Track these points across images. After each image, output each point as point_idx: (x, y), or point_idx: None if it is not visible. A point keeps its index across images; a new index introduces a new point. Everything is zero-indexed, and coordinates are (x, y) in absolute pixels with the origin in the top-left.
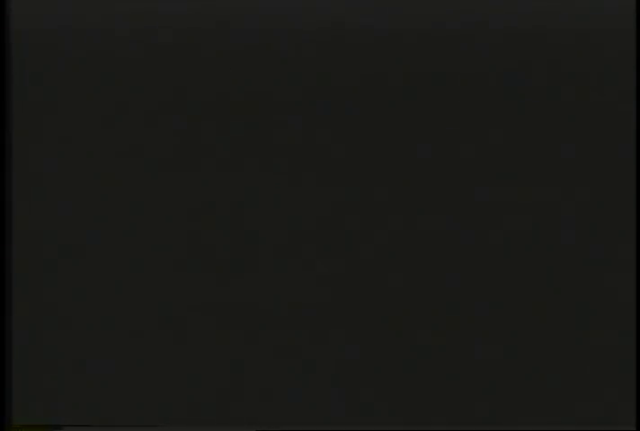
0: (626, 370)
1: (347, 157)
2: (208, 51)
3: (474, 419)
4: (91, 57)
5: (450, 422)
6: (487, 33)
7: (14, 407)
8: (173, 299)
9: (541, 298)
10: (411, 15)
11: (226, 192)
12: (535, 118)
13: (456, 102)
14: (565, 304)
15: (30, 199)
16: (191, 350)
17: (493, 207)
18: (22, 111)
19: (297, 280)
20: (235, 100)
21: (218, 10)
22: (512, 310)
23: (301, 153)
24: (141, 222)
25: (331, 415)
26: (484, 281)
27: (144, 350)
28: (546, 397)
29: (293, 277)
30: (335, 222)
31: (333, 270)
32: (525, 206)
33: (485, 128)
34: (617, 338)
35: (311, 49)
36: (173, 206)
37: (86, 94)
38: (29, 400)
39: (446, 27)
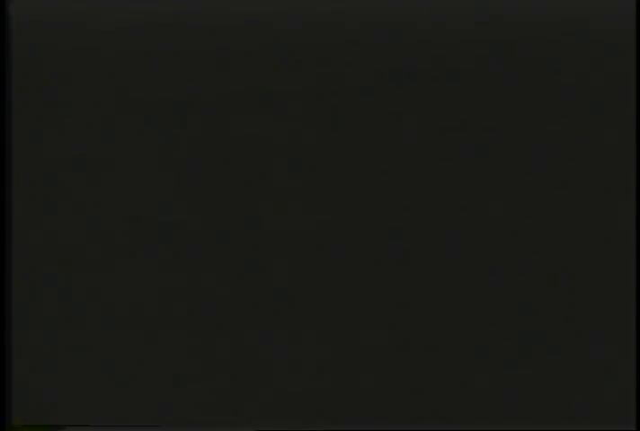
0: (626, 370)
1: (346, 157)
2: (210, 50)
3: (474, 419)
4: (91, 54)
5: (451, 422)
6: (486, 32)
7: (14, 407)
8: (173, 299)
9: (541, 298)
10: (411, 11)
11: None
12: (534, 118)
13: (454, 102)
14: (566, 305)
15: (29, 199)
16: (190, 350)
17: (492, 206)
18: (22, 111)
19: (296, 280)
20: (236, 100)
21: (219, 9)
22: (512, 310)
23: (300, 152)
24: (140, 221)
25: (331, 415)
26: (484, 280)
27: (144, 350)
28: (546, 397)
29: (292, 277)
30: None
31: (332, 270)
32: (524, 205)
33: (484, 127)
34: (618, 338)
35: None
36: (172, 207)
37: (86, 93)
38: (29, 400)
39: (445, 24)
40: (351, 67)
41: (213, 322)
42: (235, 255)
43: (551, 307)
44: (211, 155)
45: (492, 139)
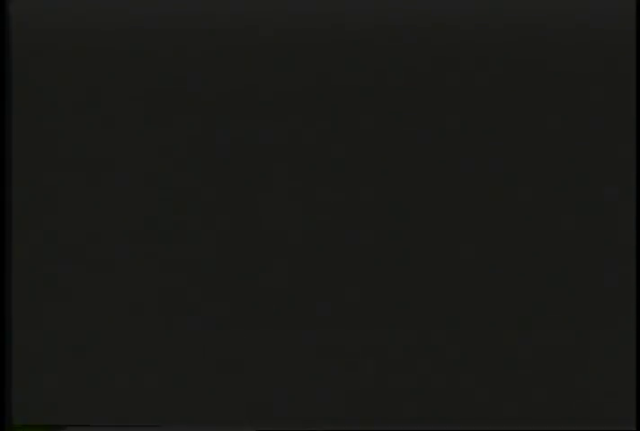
0: (626, 370)
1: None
2: (210, 51)
3: (474, 419)
4: (90, 54)
5: (451, 422)
6: (486, 32)
7: (14, 407)
8: (173, 300)
9: (542, 298)
10: (412, 13)
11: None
12: (534, 119)
13: (454, 103)
14: (566, 304)
15: (29, 199)
16: (191, 350)
17: (491, 207)
18: (22, 111)
19: (296, 280)
20: (237, 102)
21: (220, 9)
22: (513, 310)
23: (300, 152)
24: (140, 221)
25: (331, 415)
26: (485, 280)
27: (144, 350)
28: (546, 397)
29: (292, 277)
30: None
31: (332, 270)
32: (524, 206)
33: (484, 128)
34: (618, 337)
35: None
36: (172, 206)
37: (86, 93)
38: (29, 400)
39: (445, 25)
40: (351, 68)
41: (213, 322)
42: (234, 255)
43: (551, 307)
44: (211, 155)
45: (492, 140)
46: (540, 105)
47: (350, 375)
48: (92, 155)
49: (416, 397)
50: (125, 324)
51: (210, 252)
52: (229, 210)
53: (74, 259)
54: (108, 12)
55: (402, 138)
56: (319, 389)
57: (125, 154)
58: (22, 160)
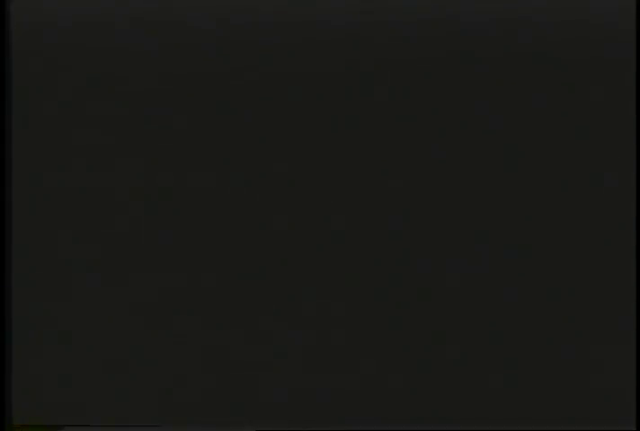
0: (626, 370)
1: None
2: (210, 48)
3: (474, 419)
4: (91, 54)
5: (451, 422)
6: (485, 31)
7: (14, 407)
8: (173, 299)
9: (541, 298)
10: (409, 9)
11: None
12: (533, 118)
13: (454, 102)
14: (565, 304)
15: (29, 200)
16: (191, 350)
17: (491, 207)
18: (22, 110)
19: (295, 281)
20: (235, 102)
21: (219, 8)
22: (512, 309)
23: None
24: (140, 221)
25: (331, 415)
26: (484, 280)
27: (144, 350)
28: (546, 397)
29: (292, 278)
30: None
31: (332, 270)
32: (524, 206)
33: (484, 128)
34: (618, 338)
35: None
36: (171, 206)
37: (86, 92)
38: (29, 400)
39: (443, 21)
40: (350, 67)
41: (213, 323)
42: (234, 255)
43: (551, 307)
44: (211, 155)
45: (491, 140)
46: (538, 104)
47: (350, 375)
48: (92, 155)
49: (416, 397)
50: (125, 324)
51: (211, 252)
52: (229, 209)
53: (73, 258)
54: (109, 11)
55: (401, 138)
56: (319, 389)
57: (126, 154)
58: (23, 160)
